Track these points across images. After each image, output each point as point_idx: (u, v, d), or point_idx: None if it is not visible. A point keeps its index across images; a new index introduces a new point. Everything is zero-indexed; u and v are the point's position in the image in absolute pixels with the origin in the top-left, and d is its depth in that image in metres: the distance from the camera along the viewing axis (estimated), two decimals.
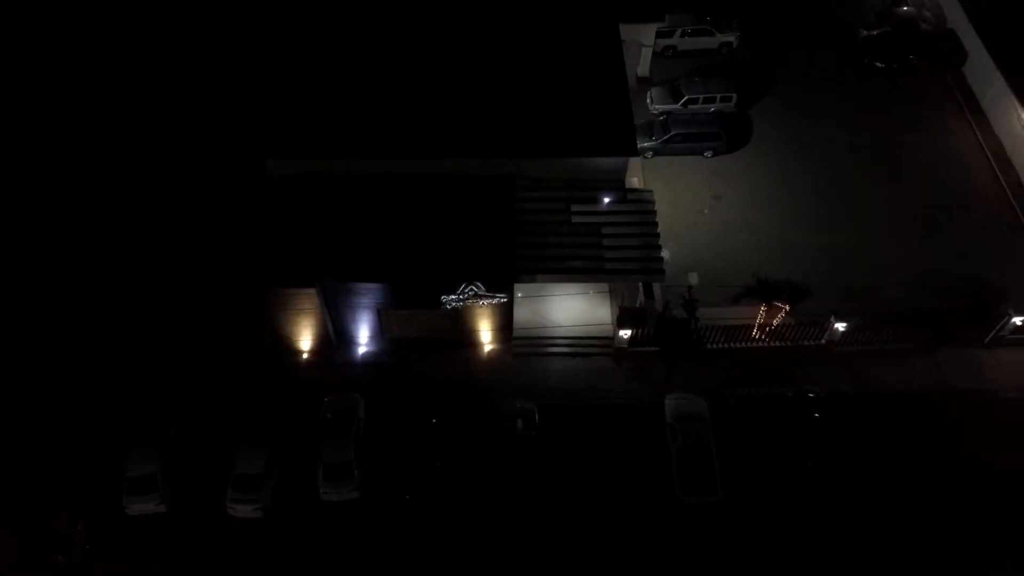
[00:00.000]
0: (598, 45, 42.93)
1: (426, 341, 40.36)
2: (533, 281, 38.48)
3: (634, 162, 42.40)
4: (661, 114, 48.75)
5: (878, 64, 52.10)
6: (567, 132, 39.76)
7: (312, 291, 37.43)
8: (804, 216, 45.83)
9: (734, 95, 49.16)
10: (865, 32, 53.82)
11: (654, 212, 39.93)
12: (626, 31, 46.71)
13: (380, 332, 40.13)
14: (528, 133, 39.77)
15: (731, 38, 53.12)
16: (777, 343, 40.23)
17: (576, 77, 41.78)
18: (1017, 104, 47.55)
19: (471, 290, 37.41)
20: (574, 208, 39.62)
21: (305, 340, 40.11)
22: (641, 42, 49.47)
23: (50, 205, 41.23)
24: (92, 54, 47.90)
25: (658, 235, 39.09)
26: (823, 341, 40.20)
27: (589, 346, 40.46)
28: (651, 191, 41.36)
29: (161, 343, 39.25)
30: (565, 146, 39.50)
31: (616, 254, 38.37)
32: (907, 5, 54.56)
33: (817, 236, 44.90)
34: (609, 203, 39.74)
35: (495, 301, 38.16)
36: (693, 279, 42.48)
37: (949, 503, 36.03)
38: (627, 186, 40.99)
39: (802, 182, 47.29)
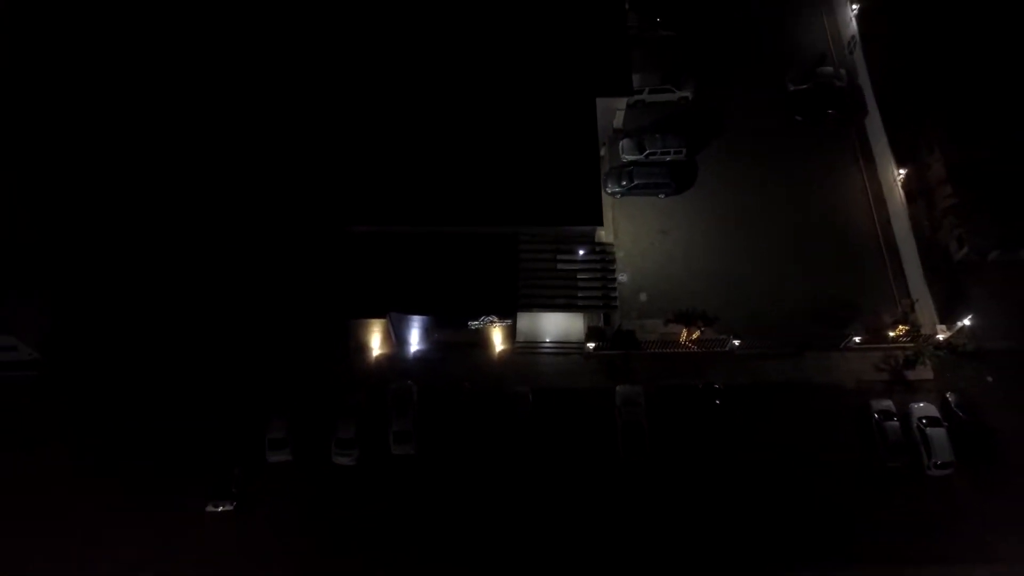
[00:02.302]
0: (581, 139, 59.62)
1: (458, 344, 59.33)
2: (530, 311, 56.97)
3: (605, 204, 60.51)
4: (628, 164, 65.31)
5: (798, 118, 67.95)
6: (556, 207, 57.22)
7: (383, 320, 56.47)
8: (726, 247, 63.39)
9: (684, 149, 65.43)
10: (793, 87, 69.14)
11: (614, 261, 58.06)
12: (603, 100, 62.90)
13: (426, 339, 59.17)
14: (529, 207, 57.34)
15: (687, 93, 68.68)
16: (694, 350, 59.00)
17: (562, 166, 58.69)
18: (893, 159, 64.04)
19: (488, 319, 56.11)
20: (559, 258, 57.74)
21: (376, 346, 59.29)
22: (616, 106, 65.30)
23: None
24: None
25: (615, 279, 57.47)
26: (727, 349, 58.92)
27: (567, 349, 59.40)
28: (613, 244, 59.48)
29: (284, 352, 58.68)
30: (554, 218, 57.16)
31: (586, 293, 56.87)
32: (827, 65, 69.58)
33: (734, 263, 62.62)
34: (583, 255, 57.66)
35: (504, 324, 56.93)
36: (643, 297, 61.25)
37: (800, 457, 56.09)
38: (597, 240, 58.77)
39: (728, 219, 64.47)
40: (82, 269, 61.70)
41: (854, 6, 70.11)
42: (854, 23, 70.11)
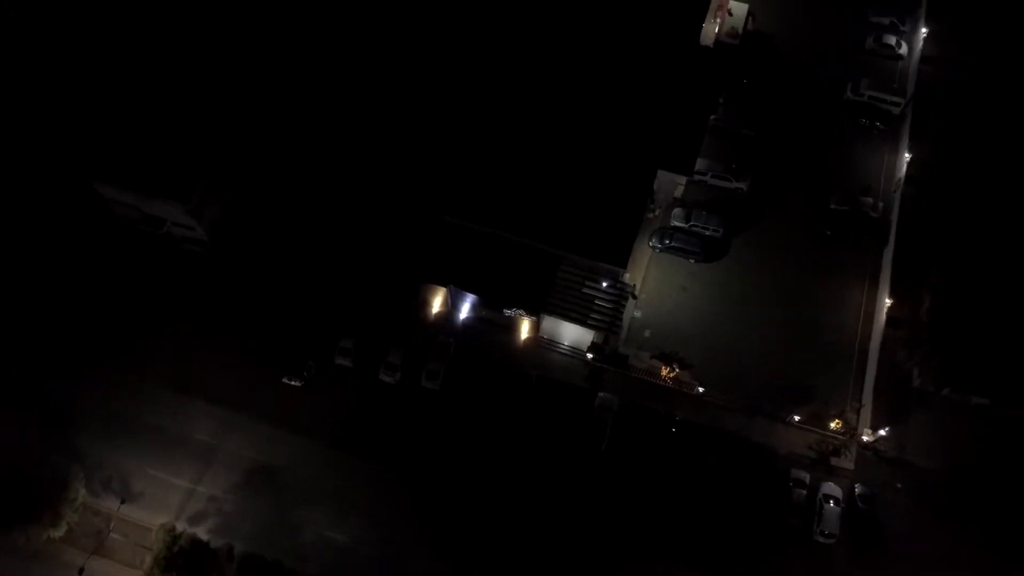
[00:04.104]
0: (633, 199, 75.76)
1: (494, 323, 77.15)
2: (553, 316, 73.91)
3: (645, 253, 76.66)
4: (674, 228, 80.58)
5: (828, 232, 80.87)
6: (595, 245, 73.82)
7: (444, 288, 75.33)
8: (728, 315, 77.85)
9: (721, 230, 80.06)
10: (834, 205, 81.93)
11: (628, 298, 74.01)
12: (667, 173, 78.61)
13: (472, 312, 77.41)
14: (575, 239, 74.28)
15: (743, 185, 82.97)
16: (670, 385, 74.20)
17: (611, 215, 75.05)
18: (888, 289, 76.30)
19: (518, 311, 73.69)
20: (587, 283, 74.31)
21: (435, 306, 78.15)
22: (678, 180, 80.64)
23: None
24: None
25: (622, 311, 73.31)
26: (694, 392, 73.79)
27: (573, 354, 76.05)
28: (633, 285, 75.30)
29: (370, 290, 78.75)
30: (591, 252, 73.83)
31: (598, 315, 73.26)
32: (869, 196, 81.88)
33: (730, 329, 77.11)
34: (606, 286, 73.97)
35: (530, 319, 74.39)
36: (647, 333, 76.91)
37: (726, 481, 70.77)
38: (620, 278, 74.87)
39: (739, 294, 78.81)
40: (259, 185, 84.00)
41: (908, 155, 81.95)
42: (905, 168, 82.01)
